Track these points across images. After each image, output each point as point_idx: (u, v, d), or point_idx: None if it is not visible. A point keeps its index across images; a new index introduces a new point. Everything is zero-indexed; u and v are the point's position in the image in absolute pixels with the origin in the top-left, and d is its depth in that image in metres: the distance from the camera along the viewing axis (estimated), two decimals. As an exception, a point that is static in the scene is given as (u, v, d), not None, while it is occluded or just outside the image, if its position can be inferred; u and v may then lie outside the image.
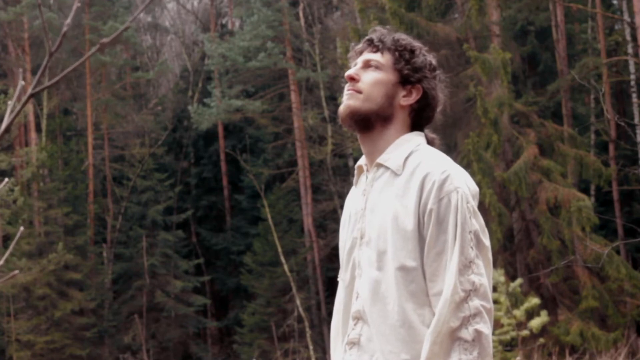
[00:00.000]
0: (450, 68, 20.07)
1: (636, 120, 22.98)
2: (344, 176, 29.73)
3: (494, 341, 12.12)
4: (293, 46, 29.85)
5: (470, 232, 2.33)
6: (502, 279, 12.03)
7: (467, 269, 2.30)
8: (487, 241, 2.37)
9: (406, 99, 2.59)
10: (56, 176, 29.83)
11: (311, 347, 26.45)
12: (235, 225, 32.61)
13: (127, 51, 35.26)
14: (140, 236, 30.17)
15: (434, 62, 2.64)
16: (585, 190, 22.14)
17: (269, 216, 28.52)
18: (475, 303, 2.28)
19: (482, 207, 18.31)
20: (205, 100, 30.23)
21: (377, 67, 2.65)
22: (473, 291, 2.29)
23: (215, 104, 28.79)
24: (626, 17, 23.15)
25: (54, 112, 32.63)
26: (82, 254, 29.19)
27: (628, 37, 23.28)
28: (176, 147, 34.65)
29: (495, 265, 17.30)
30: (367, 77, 2.65)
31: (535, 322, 11.90)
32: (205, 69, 34.03)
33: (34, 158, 29.08)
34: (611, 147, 23.20)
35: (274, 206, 29.26)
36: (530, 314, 12.62)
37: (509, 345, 12.60)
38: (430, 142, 2.62)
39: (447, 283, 2.31)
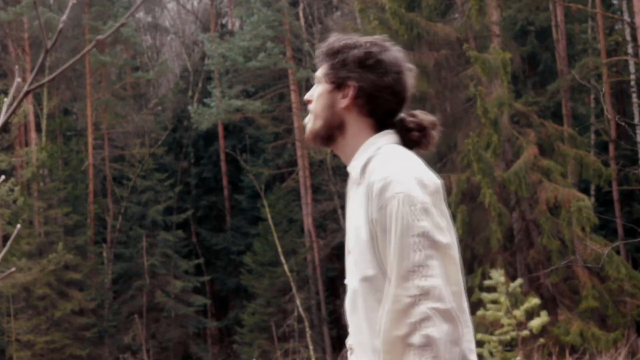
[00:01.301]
0: (450, 68, 20.08)
1: (636, 120, 22.98)
2: (344, 176, 29.67)
3: (494, 341, 12.12)
4: (293, 46, 29.85)
5: (414, 235, 2.26)
6: (502, 279, 12.02)
7: (413, 274, 2.24)
8: (445, 238, 2.29)
9: (343, 101, 2.53)
10: (56, 176, 29.83)
11: (311, 347, 26.45)
12: (235, 225, 32.61)
13: (127, 51, 35.27)
14: (140, 236, 30.17)
15: (364, 51, 2.52)
16: (585, 190, 22.14)
17: (269, 216, 28.53)
18: (422, 308, 2.22)
19: (482, 207, 18.36)
20: (205, 100, 30.23)
21: (318, 82, 2.62)
22: (421, 295, 2.22)
23: (215, 104, 28.79)
24: (626, 17, 23.15)
25: (54, 112, 32.63)
26: (82, 254, 29.19)
27: (628, 37, 23.27)
28: (176, 147, 34.65)
29: (495, 265, 17.30)
30: (314, 95, 2.61)
31: (535, 322, 11.89)
32: (205, 69, 34.03)
33: (34, 158, 29.09)
34: (611, 147, 23.19)
35: (274, 206, 29.26)
36: (530, 314, 12.61)
37: (509, 346, 12.59)
38: (404, 129, 2.55)
39: (387, 293, 2.29)
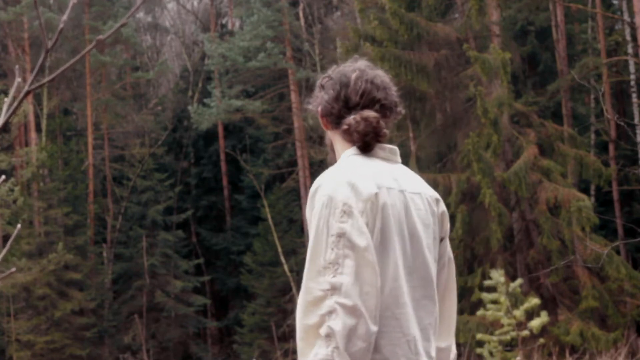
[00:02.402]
0: (450, 68, 20.07)
1: (636, 120, 22.97)
2: (344, 176, 29.70)
3: (493, 341, 12.12)
4: (293, 46, 29.85)
5: (333, 235, 2.44)
6: (502, 279, 12.02)
7: (327, 270, 2.43)
8: (363, 242, 2.44)
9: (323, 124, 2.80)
10: (56, 176, 29.83)
11: (311, 347, 26.42)
12: (235, 225, 32.61)
13: (127, 51, 35.26)
14: (140, 236, 30.17)
15: (322, 77, 2.81)
16: (585, 190, 22.14)
17: (269, 216, 28.53)
18: (330, 302, 2.40)
19: (482, 207, 18.36)
20: (205, 100, 30.23)
21: None
22: (331, 290, 2.40)
23: (215, 104, 28.79)
24: (626, 17, 23.15)
25: (54, 112, 32.63)
26: (82, 254, 29.19)
27: (628, 37, 23.27)
28: (176, 147, 34.64)
29: (495, 265, 17.30)
30: None
31: (535, 322, 11.88)
32: (205, 69, 34.03)
33: (34, 158, 29.08)
34: (611, 147, 23.19)
35: (274, 206, 29.26)
36: (530, 314, 12.61)
37: (509, 346, 12.59)
38: (362, 142, 2.66)
39: (302, 285, 2.50)
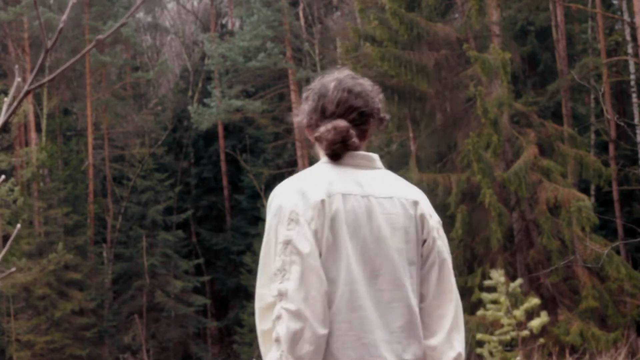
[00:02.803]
0: (450, 68, 20.07)
1: (636, 120, 22.97)
2: (344, 176, 29.68)
3: (493, 341, 12.12)
4: (293, 46, 29.85)
5: (280, 242, 2.57)
6: (502, 279, 12.02)
7: (276, 277, 2.55)
8: (307, 248, 2.54)
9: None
10: (56, 176, 29.83)
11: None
12: (235, 225, 32.61)
13: (127, 51, 35.27)
14: (140, 236, 30.16)
15: (306, 92, 2.88)
16: (585, 190, 22.13)
17: (269, 216, 28.49)
18: (278, 307, 2.52)
19: (482, 207, 18.36)
20: (205, 100, 30.23)
21: None
22: (279, 296, 2.52)
23: (215, 104, 28.79)
24: (626, 17, 23.14)
25: (54, 112, 32.63)
26: (82, 254, 29.19)
27: (628, 37, 23.27)
28: (176, 147, 34.64)
29: (495, 265, 17.30)
30: None
31: (535, 322, 11.88)
32: (205, 69, 34.03)
33: (34, 158, 29.08)
34: (611, 147, 23.19)
35: (274, 206, 29.21)
36: (530, 314, 12.61)
37: (509, 346, 12.59)
38: (330, 150, 2.73)
39: (255, 292, 2.67)
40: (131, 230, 30.87)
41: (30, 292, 27.08)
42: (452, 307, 2.76)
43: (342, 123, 2.69)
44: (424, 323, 2.73)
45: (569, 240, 18.03)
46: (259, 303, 2.62)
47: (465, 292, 19.36)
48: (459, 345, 2.76)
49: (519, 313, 11.87)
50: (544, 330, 14.35)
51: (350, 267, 2.58)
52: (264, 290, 2.60)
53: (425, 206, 2.76)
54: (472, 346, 14.82)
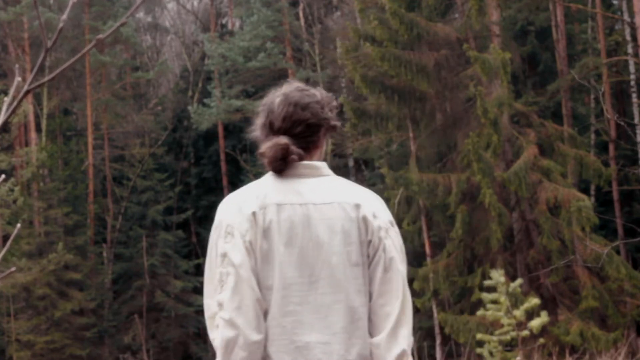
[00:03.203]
0: (450, 68, 20.07)
1: (636, 120, 22.97)
2: (344, 176, 29.60)
3: (493, 341, 12.11)
4: (293, 46, 29.85)
5: (219, 255, 2.75)
6: (502, 279, 12.01)
7: (217, 288, 2.73)
8: (238, 259, 2.70)
9: None
10: (56, 176, 29.83)
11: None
12: (235, 225, 32.59)
13: (127, 51, 35.26)
14: (140, 236, 30.16)
15: (258, 108, 3.04)
16: (585, 190, 22.13)
17: (269, 216, 28.49)
18: (217, 317, 2.71)
19: (482, 207, 18.35)
20: (205, 100, 30.22)
21: None
22: (219, 306, 2.71)
23: (215, 104, 28.79)
24: (626, 17, 23.14)
25: (54, 112, 32.63)
26: (82, 254, 29.19)
27: (628, 37, 23.26)
28: (176, 147, 34.64)
29: (495, 265, 17.30)
30: None
31: (535, 322, 11.87)
32: (205, 69, 34.03)
33: (34, 158, 29.08)
34: (611, 147, 23.18)
35: (274, 206, 29.23)
36: (530, 314, 12.60)
37: (509, 346, 12.59)
38: (270, 167, 2.88)
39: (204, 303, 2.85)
40: (131, 230, 30.87)
41: (30, 292, 27.08)
42: (397, 304, 2.79)
43: (282, 140, 2.81)
44: (371, 321, 2.80)
45: (569, 240, 18.03)
46: (206, 313, 2.78)
47: (465, 292, 19.38)
48: (404, 341, 2.80)
49: (519, 313, 11.87)
50: (544, 330, 14.35)
51: (285, 274, 2.71)
52: (210, 301, 2.77)
53: (369, 208, 2.83)
54: (472, 346, 14.82)
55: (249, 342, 2.66)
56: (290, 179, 2.83)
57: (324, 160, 2.98)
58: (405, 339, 2.80)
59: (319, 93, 2.94)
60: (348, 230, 2.77)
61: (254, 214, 2.73)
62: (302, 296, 2.72)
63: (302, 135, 2.86)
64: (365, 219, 2.79)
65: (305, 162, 2.84)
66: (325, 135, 2.94)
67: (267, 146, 2.82)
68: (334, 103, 2.95)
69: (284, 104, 2.89)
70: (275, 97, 2.94)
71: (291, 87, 2.94)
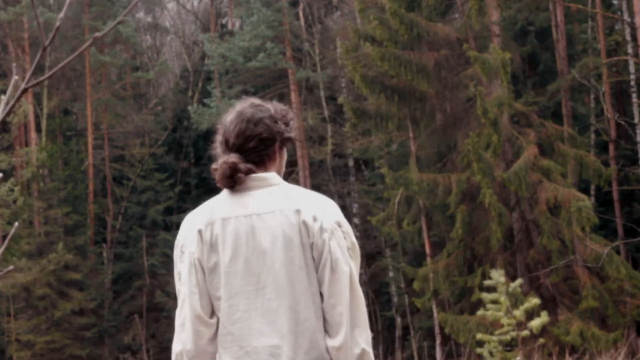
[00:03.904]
0: (450, 68, 20.07)
1: (636, 120, 22.97)
2: (344, 176, 29.72)
3: (493, 341, 12.12)
4: (293, 46, 29.84)
5: (177, 274, 2.96)
6: (502, 279, 12.01)
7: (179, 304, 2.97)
8: (184, 278, 2.92)
9: None
10: (56, 176, 29.82)
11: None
12: (235, 225, 32.59)
13: (127, 51, 35.26)
14: (140, 236, 30.16)
15: (218, 125, 3.14)
16: (585, 190, 22.12)
17: (269, 216, 28.47)
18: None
19: (482, 207, 18.34)
20: (205, 100, 30.22)
21: None
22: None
23: (215, 104, 28.79)
24: (626, 17, 23.14)
25: (54, 112, 32.62)
26: (82, 254, 29.18)
27: (628, 37, 23.26)
28: (176, 147, 34.64)
29: (495, 265, 17.31)
30: None
31: (535, 322, 11.87)
32: (205, 69, 34.02)
33: (34, 158, 29.08)
34: (611, 147, 23.17)
35: (274, 206, 29.20)
36: (530, 314, 12.60)
37: (509, 346, 12.59)
38: (221, 184, 3.04)
39: None
40: (131, 230, 30.86)
41: (30, 292, 27.08)
42: (346, 304, 2.85)
43: (230, 159, 2.93)
44: (327, 321, 2.87)
45: (569, 240, 18.02)
46: (176, 321, 3.02)
47: (465, 292, 19.38)
48: (362, 341, 2.87)
49: (519, 313, 11.87)
50: (544, 330, 14.35)
51: (231, 284, 2.87)
52: (176, 314, 3.00)
53: (309, 211, 2.89)
54: (472, 346, 14.83)
55: (190, 355, 2.90)
56: (240, 192, 2.95)
57: (282, 170, 3.09)
58: (363, 338, 2.87)
59: (272, 107, 3.05)
60: (289, 235, 2.86)
61: (200, 231, 2.91)
62: (249, 303, 2.85)
63: (255, 150, 2.97)
64: (305, 223, 2.87)
65: (254, 175, 2.95)
66: (282, 147, 3.05)
67: (218, 164, 2.97)
68: (290, 115, 3.07)
69: (237, 120, 3.01)
70: (230, 114, 3.06)
71: (245, 104, 3.05)
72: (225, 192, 2.99)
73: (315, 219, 2.87)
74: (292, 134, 3.08)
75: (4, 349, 26.72)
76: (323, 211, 2.91)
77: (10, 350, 26.34)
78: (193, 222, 2.95)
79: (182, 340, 2.90)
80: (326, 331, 2.87)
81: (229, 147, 3.01)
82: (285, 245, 2.86)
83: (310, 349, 2.84)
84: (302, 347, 2.83)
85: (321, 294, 2.87)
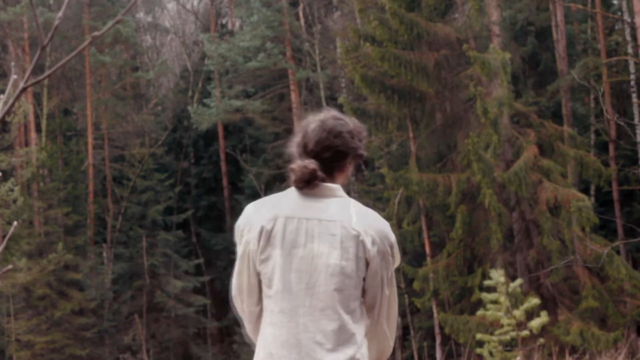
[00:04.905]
0: (450, 68, 20.07)
1: (636, 120, 22.97)
2: (344, 176, 29.64)
3: (493, 341, 12.12)
4: (293, 46, 29.84)
5: (238, 252, 3.29)
6: (502, 279, 12.01)
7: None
8: (240, 252, 3.28)
9: None
10: (56, 176, 29.82)
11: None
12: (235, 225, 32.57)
13: (127, 51, 35.26)
14: (140, 236, 30.15)
15: (297, 127, 3.36)
16: (585, 190, 22.13)
17: (269, 216, 28.47)
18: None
19: (482, 207, 18.35)
20: (205, 100, 30.22)
21: None
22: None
23: (215, 104, 28.79)
24: (626, 17, 23.14)
25: (54, 112, 32.62)
26: (82, 254, 29.18)
27: (628, 37, 23.26)
28: (176, 147, 34.64)
29: (495, 265, 17.31)
30: None
31: (535, 322, 11.87)
32: (205, 69, 34.02)
33: (34, 158, 29.08)
34: (611, 147, 23.18)
35: (274, 206, 29.20)
36: (530, 314, 12.60)
37: (509, 346, 12.59)
38: (295, 185, 3.23)
39: None
40: (131, 230, 30.86)
41: (30, 292, 27.08)
42: (381, 321, 3.18)
43: (311, 165, 3.11)
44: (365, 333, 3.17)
45: (569, 240, 18.02)
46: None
47: (465, 292, 19.37)
48: (383, 356, 3.27)
49: (519, 313, 11.87)
50: (544, 330, 14.35)
51: (284, 279, 3.08)
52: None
53: (369, 231, 3.08)
54: (472, 346, 14.82)
55: (247, 312, 3.29)
56: (309, 196, 3.14)
57: (345, 182, 3.27)
58: (385, 353, 3.26)
59: (352, 123, 3.24)
60: (346, 247, 3.05)
61: (262, 223, 3.13)
62: (300, 299, 3.05)
63: (330, 160, 3.17)
64: (362, 241, 3.06)
65: (325, 184, 3.14)
66: (352, 162, 3.24)
67: (298, 165, 3.13)
68: (364, 133, 3.26)
69: (319, 129, 3.19)
70: (313, 121, 3.24)
71: (328, 115, 3.24)
72: (293, 191, 3.16)
73: (373, 243, 3.07)
74: (364, 152, 3.26)
75: (4, 349, 26.72)
76: (379, 233, 3.10)
77: (10, 350, 26.35)
78: (257, 214, 3.18)
79: (239, 298, 3.32)
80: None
81: (306, 152, 3.20)
82: (341, 255, 3.05)
83: (350, 350, 3.05)
84: (342, 347, 3.04)
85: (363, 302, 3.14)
